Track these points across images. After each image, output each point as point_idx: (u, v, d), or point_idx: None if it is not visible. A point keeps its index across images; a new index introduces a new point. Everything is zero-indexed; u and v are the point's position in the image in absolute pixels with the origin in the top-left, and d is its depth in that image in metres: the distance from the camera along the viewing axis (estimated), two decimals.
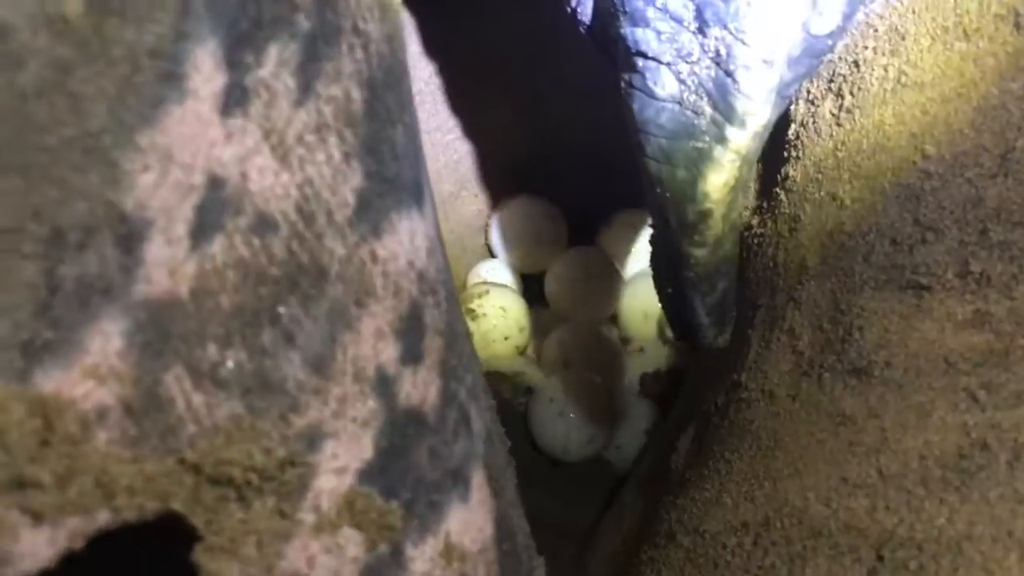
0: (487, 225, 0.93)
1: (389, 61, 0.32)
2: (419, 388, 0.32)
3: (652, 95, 0.44)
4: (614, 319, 0.92)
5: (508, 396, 0.84)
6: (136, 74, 0.24)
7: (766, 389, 0.44)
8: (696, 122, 0.42)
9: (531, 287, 0.95)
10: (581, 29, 0.48)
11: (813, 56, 0.43)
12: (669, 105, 0.43)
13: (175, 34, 0.25)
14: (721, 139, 0.42)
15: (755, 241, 0.54)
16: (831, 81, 0.47)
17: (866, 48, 0.45)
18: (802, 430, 0.39)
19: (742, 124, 0.42)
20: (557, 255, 0.91)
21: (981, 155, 0.37)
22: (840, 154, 0.46)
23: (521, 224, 0.90)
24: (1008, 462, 0.30)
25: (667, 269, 0.47)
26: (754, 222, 0.54)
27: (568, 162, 0.92)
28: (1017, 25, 0.37)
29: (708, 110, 0.42)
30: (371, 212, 0.30)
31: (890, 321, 0.38)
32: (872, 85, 0.44)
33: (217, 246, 0.26)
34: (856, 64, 0.45)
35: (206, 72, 0.25)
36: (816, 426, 0.39)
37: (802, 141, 0.50)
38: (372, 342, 0.30)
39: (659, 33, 0.42)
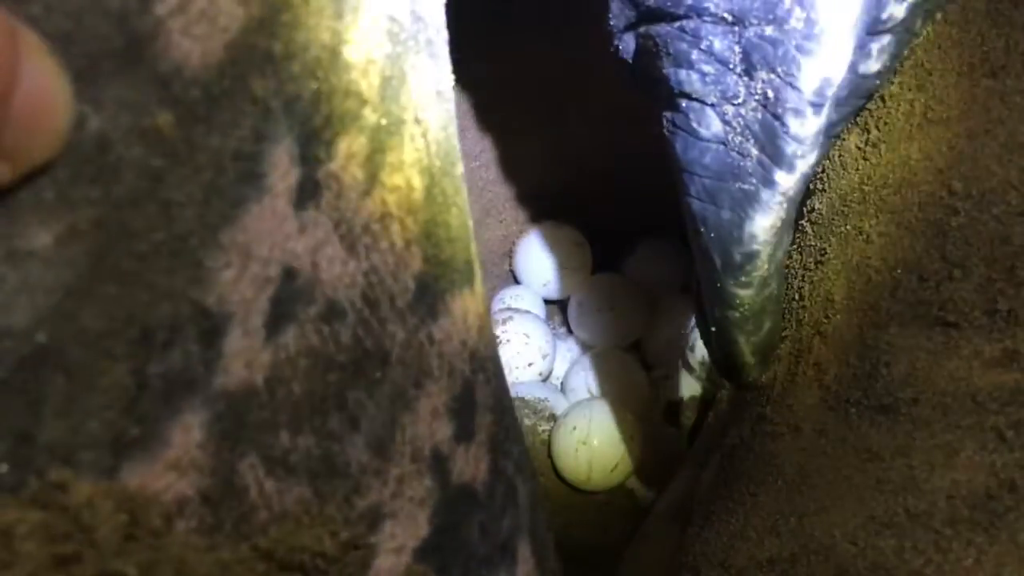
0: (511, 251, 0.93)
1: (446, 147, 0.33)
2: (471, 465, 0.33)
3: (696, 135, 0.43)
4: (638, 346, 0.92)
5: (531, 423, 0.84)
6: (220, 177, 0.25)
7: (792, 423, 0.43)
8: (742, 164, 0.42)
9: (555, 314, 0.96)
10: (625, 68, 0.48)
11: (859, 96, 0.43)
12: (714, 146, 0.43)
13: (256, 136, 0.26)
14: (768, 182, 0.42)
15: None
16: (857, 116, 0.48)
17: (892, 83, 0.45)
18: (829, 466, 0.39)
19: (791, 167, 0.41)
20: (581, 282, 0.91)
21: (1008, 192, 0.37)
22: (866, 188, 0.46)
23: (545, 251, 0.91)
24: None
25: (712, 309, 0.47)
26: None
27: (593, 189, 0.93)
28: None
29: (755, 152, 0.42)
30: (428, 295, 0.31)
31: (917, 358, 0.38)
32: (898, 120, 0.44)
33: (290, 335, 0.27)
34: (883, 99, 0.46)
35: (282, 169, 0.26)
36: (843, 462, 0.38)
37: (828, 174, 0.50)
38: (428, 422, 0.31)
39: (703, 75, 0.42)
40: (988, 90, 0.40)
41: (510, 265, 0.94)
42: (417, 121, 0.31)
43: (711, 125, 0.42)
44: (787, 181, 0.42)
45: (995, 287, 0.36)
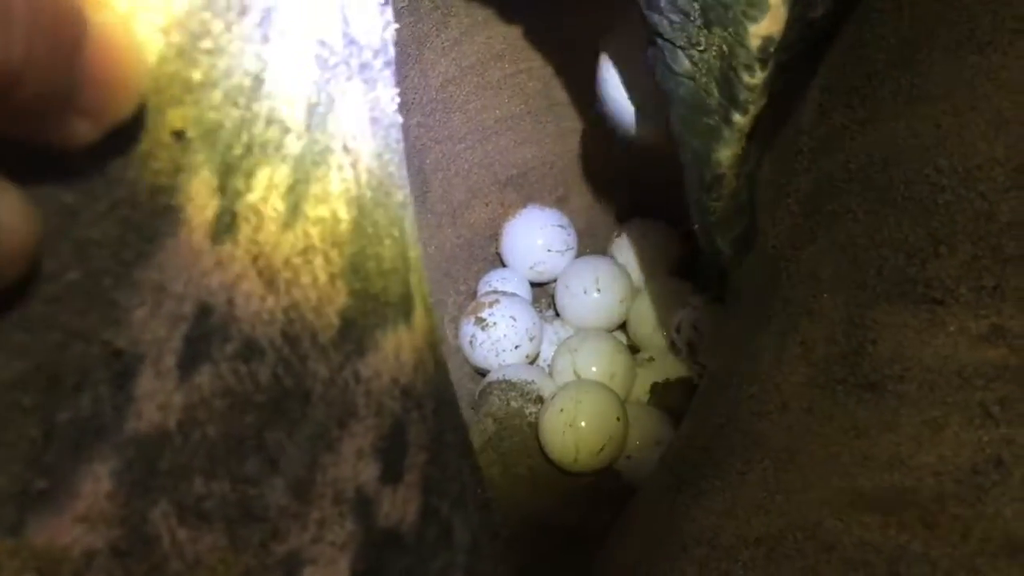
0: (498, 234, 0.93)
1: (379, 176, 0.32)
2: (398, 507, 0.32)
3: (672, 70, 0.48)
4: (624, 328, 0.92)
5: (518, 406, 0.84)
6: (136, 212, 0.24)
7: (779, 401, 0.44)
8: (707, 101, 0.47)
9: (541, 296, 0.95)
10: None
11: (809, 36, 0.47)
12: (686, 80, 0.48)
13: (173, 168, 0.25)
14: (727, 120, 0.47)
15: (769, 252, 0.54)
16: (843, 94, 0.48)
17: (878, 60, 0.45)
18: (816, 443, 0.39)
19: (744, 111, 0.47)
20: (567, 264, 0.91)
21: (994, 169, 0.37)
22: (852, 166, 0.46)
23: (531, 234, 0.90)
24: (1023, 478, 0.30)
25: (695, 215, 0.54)
26: (768, 232, 0.55)
27: (579, 171, 0.92)
28: None
29: (716, 93, 0.47)
30: (355, 331, 0.30)
31: (904, 335, 0.38)
32: (885, 97, 0.44)
33: (205, 375, 0.26)
34: (868, 76, 0.45)
35: (200, 201, 0.26)
36: (830, 439, 0.39)
37: (813, 153, 0.50)
38: (353, 463, 0.30)
39: (671, 22, 0.46)
40: (974, 66, 0.39)
41: (496, 248, 0.93)
42: (346, 150, 0.30)
43: (682, 64, 0.47)
44: (742, 120, 0.47)
45: (981, 263, 0.36)
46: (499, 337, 0.87)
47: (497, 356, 0.87)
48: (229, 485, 0.27)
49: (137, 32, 0.24)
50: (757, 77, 0.45)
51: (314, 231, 0.29)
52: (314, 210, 0.29)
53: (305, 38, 0.29)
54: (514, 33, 0.82)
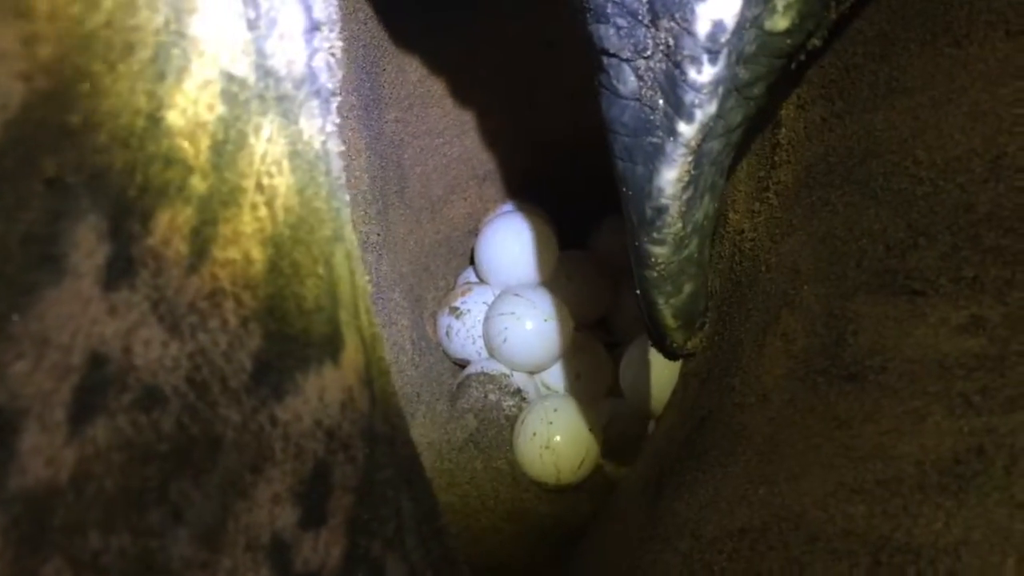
0: (476, 229, 0.92)
1: (301, 213, 0.31)
2: (319, 552, 0.30)
3: (616, 93, 0.44)
4: (604, 323, 0.92)
5: (496, 399, 0.84)
6: (6, 264, 0.23)
7: (761, 393, 0.44)
8: (652, 117, 0.43)
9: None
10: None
11: (773, 56, 0.44)
12: (631, 103, 0.44)
13: (50, 216, 0.24)
14: (672, 132, 0.43)
15: (747, 245, 0.54)
16: (822, 86, 0.48)
17: (856, 53, 0.45)
18: (798, 435, 0.40)
19: (690, 117, 0.42)
20: (545, 267, 0.90)
21: (972, 160, 0.37)
22: (831, 159, 0.46)
23: (507, 243, 0.88)
24: (1005, 467, 0.30)
25: (634, 271, 0.48)
26: (745, 226, 0.55)
27: (558, 165, 0.92)
28: (1008, 32, 0.37)
29: (661, 104, 0.43)
30: (271, 375, 0.29)
31: (884, 326, 0.38)
32: (863, 90, 0.44)
33: (99, 428, 0.25)
34: (846, 69, 0.46)
35: (86, 248, 0.24)
36: (812, 431, 0.39)
37: (793, 146, 0.50)
38: (268, 508, 0.29)
39: (618, 28, 0.43)
40: (951, 59, 0.40)
41: (474, 244, 0.93)
42: (260, 188, 0.29)
43: (628, 81, 0.43)
44: (688, 131, 0.42)
45: (960, 254, 0.36)
46: (474, 323, 0.87)
47: (474, 343, 0.87)
48: (129, 538, 0.25)
49: None
50: (705, 73, 0.41)
51: (223, 273, 0.28)
52: (223, 252, 0.28)
53: (208, 74, 0.27)
54: (494, 29, 0.81)
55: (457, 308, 0.87)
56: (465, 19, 0.79)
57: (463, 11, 0.78)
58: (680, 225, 0.45)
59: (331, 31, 0.33)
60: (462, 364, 0.88)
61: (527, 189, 0.93)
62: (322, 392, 0.31)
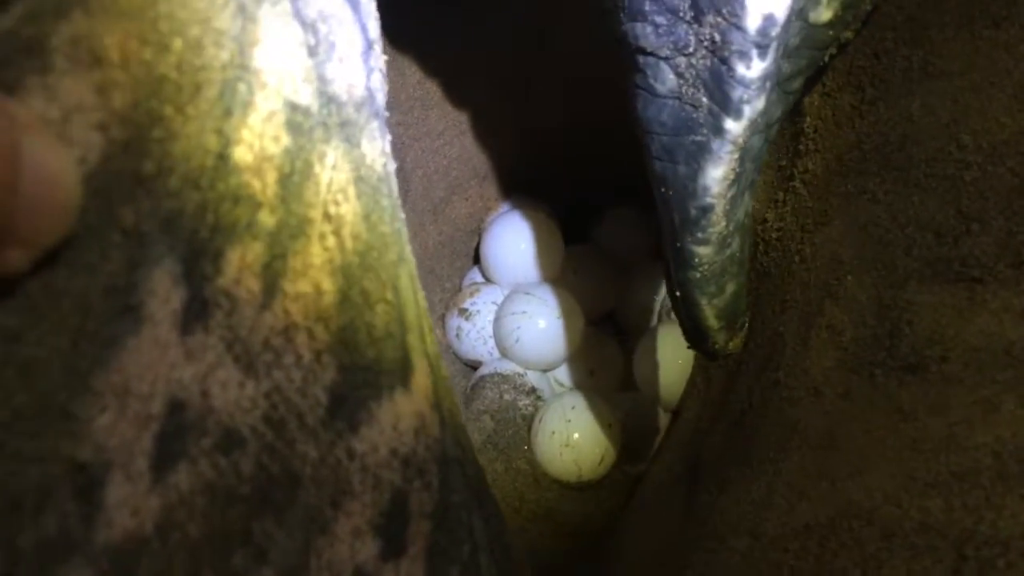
0: (479, 228, 0.92)
1: (368, 239, 0.30)
2: None
3: (653, 92, 0.43)
4: (612, 316, 0.92)
5: (512, 399, 0.84)
6: (89, 319, 0.23)
7: (811, 387, 0.43)
8: (694, 115, 0.42)
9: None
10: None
11: (815, 48, 0.43)
12: (670, 102, 0.43)
13: (128, 266, 0.23)
14: (718, 130, 0.42)
15: (773, 235, 0.53)
16: (849, 73, 0.47)
17: (885, 39, 0.45)
18: (857, 428, 0.39)
19: (738, 113, 0.42)
20: (553, 263, 0.89)
21: (1021, 143, 0.37)
22: (865, 146, 0.45)
23: (512, 241, 0.88)
24: None
25: (674, 271, 0.47)
26: (768, 215, 0.54)
27: (557, 160, 0.92)
28: None
29: (705, 101, 0.42)
30: (346, 407, 0.29)
31: (942, 315, 0.37)
32: (895, 76, 0.44)
33: (182, 474, 0.25)
34: (876, 55, 0.45)
35: (162, 294, 0.24)
36: (873, 424, 0.38)
37: (820, 134, 0.50)
38: (349, 542, 0.29)
39: (656, 26, 0.42)
40: (991, 41, 0.39)
41: (478, 242, 0.92)
42: (327, 218, 0.28)
43: (666, 80, 0.42)
44: (736, 128, 0.42)
45: (1017, 239, 0.36)
46: (484, 324, 0.86)
47: (485, 344, 0.87)
48: None
49: (71, 140, 0.22)
50: (754, 68, 0.40)
51: (295, 308, 0.27)
52: (294, 286, 0.27)
53: (273, 105, 0.27)
54: (489, 28, 0.80)
55: (466, 309, 0.86)
56: (457, 19, 0.78)
57: (455, 11, 0.77)
58: (724, 224, 0.44)
59: (379, 47, 0.32)
60: (473, 366, 0.88)
61: (527, 185, 0.93)
62: (396, 420, 0.31)
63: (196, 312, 0.25)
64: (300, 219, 0.28)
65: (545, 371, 0.86)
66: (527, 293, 0.84)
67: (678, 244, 0.45)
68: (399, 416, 0.31)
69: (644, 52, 0.42)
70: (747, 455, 0.48)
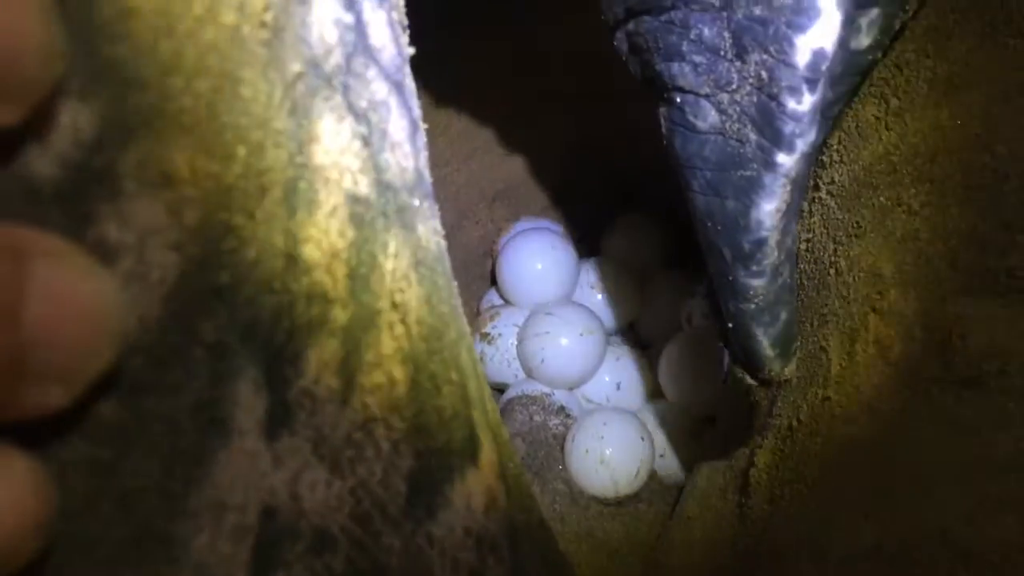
0: (492, 250, 0.92)
1: (431, 322, 0.30)
2: None
3: (694, 129, 0.43)
4: (632, 327, 0.92)
5: (542, 419, 0.84)
6: (180, 439, 0.22)
7: (864, 404, 0.44)
8: (742, 151, 0.42)
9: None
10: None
11: (856, 74, 0.43)
12: (712, 137, 0.42)
13: (213, 380, 0.23)
14: (769, 165, 0.42)
15: (803, 247, 0.54)
16: (870, 85, 0.47)
17: (906, 51, 0.45)
18: (918, 446, 0.39)
19: (791, 147, 0.41)
20: (571, 281, 0.89)
21: None
22: (894, 158, 0.46)
23: (529, 262, 0.88)
24: None
25: (726, 304, 0.46)
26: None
27: (563, 176, 0.92)
28: None
29: (753, 137, 0.42)
30: (423, 493, 0.29)
31: (995, 328, 0.38)
32: (921, 87, 0.44)
33: None
34: (898, 67, 0.45)
35: (247, 403, 0.24)
36: (934, 441, 0.39)
37: (844, 146, 0.50)
38: None
39: (695, 65, 0.42)
40: (1016, 50, 0.40)
41: (492, 265, 0.92)
42: (394, 306, 0.28)
43: (708, 116, 0.42)
44: (788, 162, 0.42)
45: None
46: (507, 347, 0.86)
47: (509, 366, 0.87)
48: None
49: (147, 264, 0.22)
50: (805, 102, 0.40)
51: (372, 400, 0.27)
52: (369, 378, 0.27)
53: (336, 200, 0.27)
54: (489, 54, 0.80)
55: (488, 334, 0.86)
56: (463, 47, 0.78)
57: (460, 41, 0.77)
58: (776, 254, 0.44)
59: (422, 125, 0.32)
60: (500, 389, 0.88)
61: (535, 204, 0.93)
62: (468, 499, 0.31)
63: (280, 417, 0.25)
64: (370, 311, 0.27)
65: (572, 389, 0.86)
66: (548, 313, 0.84)
67: (730, 277, 0.45)
68: (471, 495, 0.31)
69: (682, 90, 0.42)
70: (800, 472, 0.48)
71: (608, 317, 0.89)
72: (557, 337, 0.83)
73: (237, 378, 0.24)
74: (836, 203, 0.50)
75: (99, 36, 0.21)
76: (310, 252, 0.26)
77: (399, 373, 0.28)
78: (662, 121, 0.46)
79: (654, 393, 0.87)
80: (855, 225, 0.48)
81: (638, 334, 0.92)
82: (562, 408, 0.84)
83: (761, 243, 0.43)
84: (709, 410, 0.82)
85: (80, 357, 0.20)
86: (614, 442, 0.79)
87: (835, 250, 0.50)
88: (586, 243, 0.93)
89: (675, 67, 0.42)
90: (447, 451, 0.30)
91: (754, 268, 0.44)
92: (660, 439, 0.83)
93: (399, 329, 0.28)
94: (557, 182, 0.92)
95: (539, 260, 0.87)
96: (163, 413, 0.22)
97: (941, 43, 0.43)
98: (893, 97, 0.46)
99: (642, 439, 0.80)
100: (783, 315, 0.46)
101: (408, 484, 0.28)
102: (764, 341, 0.47)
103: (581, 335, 0.83)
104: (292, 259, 0.25)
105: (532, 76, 0.84)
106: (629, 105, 0.81)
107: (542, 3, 0.79)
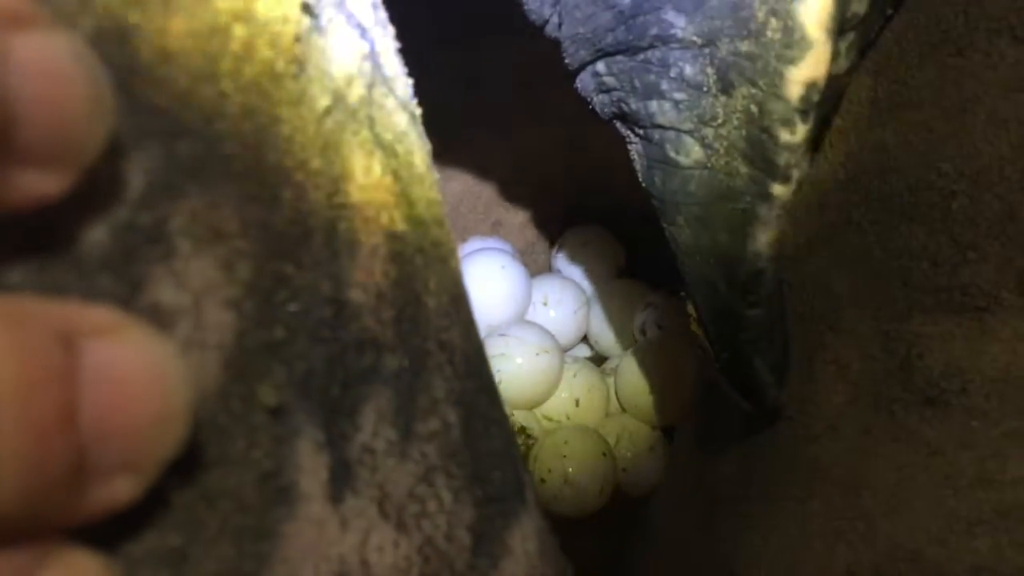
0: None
1: (473, 361, 0.29)
2: None
3: (676, 165, 0.42)
4: (586, 340, 0.92)
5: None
6: (247, 516, 0.21)
7: (827, 424, 0.44)
8: (732, 184, 0.40)
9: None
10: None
11: (836, 96, 0.43)
12: (697, 172, 0.41)
13: (275, 446, 0.22)
14: (764, 196, 0.40)
15: None
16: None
17: None
18: (884, 465, 0.40)
19: (785, 178, 0.40)
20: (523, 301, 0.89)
21: (1004, 169, 0.38)
22: (841, 177, 0.46)
23: (481, 284, 0.87)
24: None
25: (721, 335, 0.45)
26: None
27: (510, 196, 0.92)
28: (1014, 37, 0.38)
29: (744, 170, 0.40)
30: (486, 543, 0.28)
31: (952, 346, 0.38)
32: (862, 107, 0.44)
33: None
34: None
35: (310, 466, 0.23)
36: (900, 461, 0.39)
37: None
38: None
39: (677, 103, 0.40)
40: (956, 69, 0.40)
41: None
42: (441, 346, 0.27)
43: (691, 152, 0.41)
44: (784, 192, 0.41)
45: (1015, 265, 0.37)
46: None
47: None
48: None
49: (205, 326, 0.20)
50: (799, 133, 0.38)
51: (430, 449, 0.26)
52: (425, 426, 0.26)
53: (376, 240, 0.25)
54: (425, 70, 0.80)
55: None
56: (450, 58, 0.77)
57: (448, 51, 0.77)
58: (772, 284, 0.43)
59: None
60: None
61: (484, 225, 0.92)
62: (524, 542, 0.30)
63: (343, 477, 0.24)
64: (419, 354, 0.26)
65: (531, 408, 0.86)
66: (502, 335, 0.83)
67: (726, 308, 0.43)
68: (526, 538, 0.30)
69: (662, 127, 0.41)
70: (767, 491, 0.48)
71: (562, 333, 0.89)
72: (513, 358, 0.82)
73: (297, 440, 0.22)
74: (787, 221, 0.51)
75: (138, 82, 0.20)
76: (356, 296, 0.25)
77: (452, 416, 0.27)
78: (636, 158, 0.44)
79: (614, 407, 0.87)
80: (809, 245, 0.48)
81: (593, 348, 0.92)
82: (523, 428, 0.84)
83: (759, 274, 0.42)
84: (670, 421, 0.83)
85: (148, 442, 0.18)
86: (576, 460, 0.79)
87: (793, 269, 0.50)
88: (536, 260, 0.93)
89: (653, 105, 0.41)
90: (501, 496, 0.29)
91: (752, 299, 0.43)
92: (622, 454, 0.83)
93: (448, 370, 0.27)
94: (503, 202, 0.91)
95: (488, 280, 0.86)
96: (229, 489, 0.21)
97: (880, 62, 0.43)
98: (837, 117, 0.46)
99: (604, 455, 0.80)
100: (778, 339, 0.46)
101: (471, 535, 0.27)
102: (763, 370, 0.45)
103: (537, 355, 0.82)
104: (339, 304, 0.24)
105: (471, 95, 0.83)
106: (568, 124, 0.81)
107: (482, 24, 0.78)
